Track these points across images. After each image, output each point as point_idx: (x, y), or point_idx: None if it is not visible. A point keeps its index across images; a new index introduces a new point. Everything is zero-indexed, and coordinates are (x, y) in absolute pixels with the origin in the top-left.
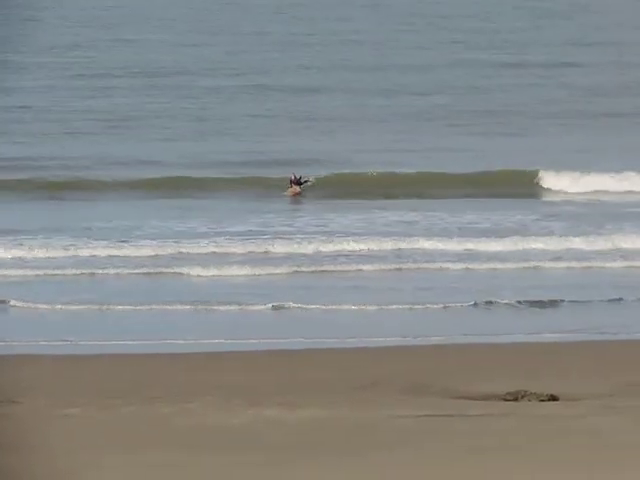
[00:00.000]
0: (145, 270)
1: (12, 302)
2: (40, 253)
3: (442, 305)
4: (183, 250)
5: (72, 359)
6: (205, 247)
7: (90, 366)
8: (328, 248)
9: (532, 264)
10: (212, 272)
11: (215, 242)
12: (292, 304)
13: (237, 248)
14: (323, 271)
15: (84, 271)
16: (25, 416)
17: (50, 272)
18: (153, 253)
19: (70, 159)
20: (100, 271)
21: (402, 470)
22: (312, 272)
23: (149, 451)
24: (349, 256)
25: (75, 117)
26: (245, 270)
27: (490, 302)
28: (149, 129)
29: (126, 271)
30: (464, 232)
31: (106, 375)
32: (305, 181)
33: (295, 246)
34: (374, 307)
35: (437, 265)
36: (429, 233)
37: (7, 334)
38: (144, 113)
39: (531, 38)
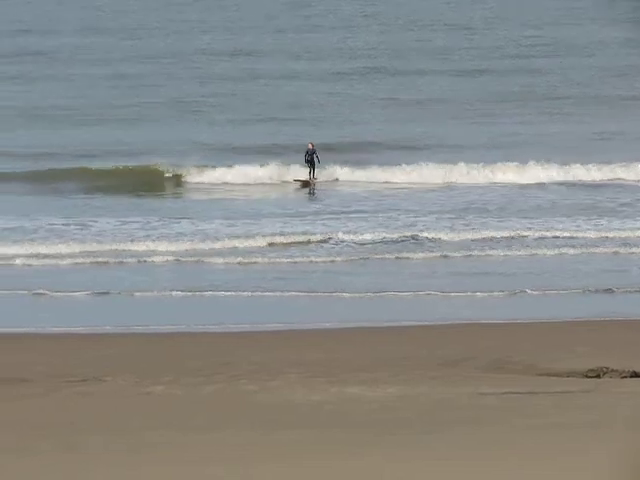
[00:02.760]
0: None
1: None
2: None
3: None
4: None
5: (157, 338)
6: None
7: (174, 345)
8: None
9: None
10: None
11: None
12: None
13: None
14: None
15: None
16: (109, 394)
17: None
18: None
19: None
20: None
21: (485, 447)
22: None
23: (232, 429)
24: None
25: None
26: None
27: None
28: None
29: (220, 260)
30: None
31: (189, 354)
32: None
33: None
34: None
35: None
36: None
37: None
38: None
39: None
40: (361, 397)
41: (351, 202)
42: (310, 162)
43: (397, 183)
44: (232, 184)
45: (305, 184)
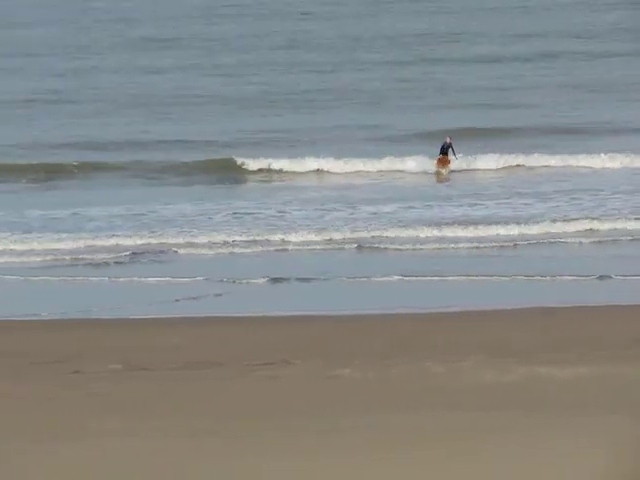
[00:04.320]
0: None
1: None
2: None
3: None
4: None
5: (344, 320)
6: None
7: (360, 327)
8: None
9: None
10: None
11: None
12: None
13: None
14: None
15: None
16: (297, 377)
17: None
18: None
19: None
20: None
21: None
22: None
23: (420, 411)
24: None
25: None
26: None
27: None
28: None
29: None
30: None
31: (376, 335)
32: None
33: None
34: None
35: None
36: None
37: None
38: None
39: None
40: (551, 378)
41: None
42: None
43: None
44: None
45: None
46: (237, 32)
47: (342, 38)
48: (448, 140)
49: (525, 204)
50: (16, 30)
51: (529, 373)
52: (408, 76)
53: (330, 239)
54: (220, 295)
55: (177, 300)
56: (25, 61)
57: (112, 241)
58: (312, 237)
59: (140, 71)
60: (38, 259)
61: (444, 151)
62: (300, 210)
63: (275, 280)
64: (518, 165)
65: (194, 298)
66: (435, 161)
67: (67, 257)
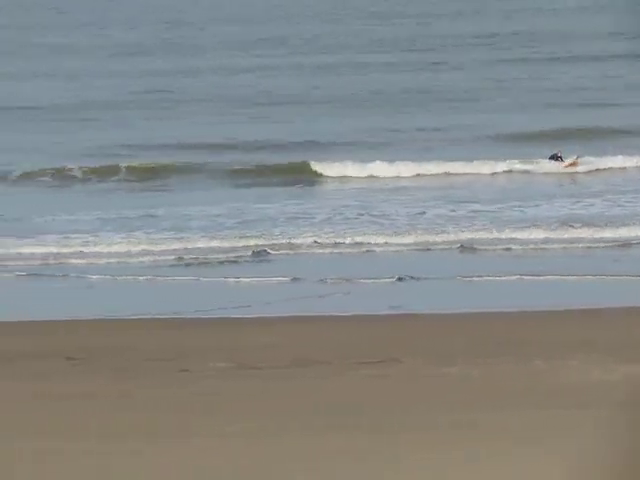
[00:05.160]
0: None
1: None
2: None
3: None
4: None
5: (452, 318)
6: None
7: (468, 325)
8: None
9: None
10: None
11: None
12: None
13: None
14: None
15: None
16: (404, 375)
17: None
18: None
19: None
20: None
21: None
22: None
23: (525, 409)
24: None
25: None
26: None
27: None
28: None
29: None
30: None
31: (483, 333)
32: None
33: None
34: None
35: None
36: None
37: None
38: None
39: None
40: None
41: None
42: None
43: None
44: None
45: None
46: (343, 31)
47: (438, 38)
48: (558, 153)
49: None
50: (114, 31)
51: (632, 372)
52: (508, 75)
53: (436, 241)
54: (333, 295)
55: (287, 300)
56: (124, 61)
57: (215, 242)
58: (425, 238)
59: (240, 71)
60: (145, 259)
61: (556, 157)
62: (403, 209)
63: (394, 279)
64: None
65: (302, 297)
66: (558, 163)
67: (171, 257)
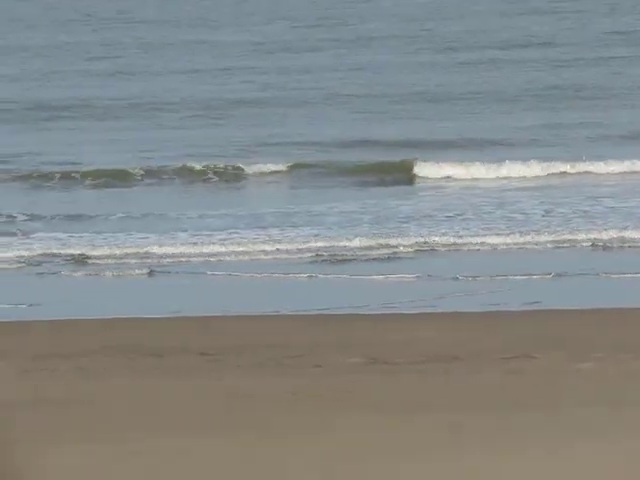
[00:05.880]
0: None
1: None
2: None
3: None
4: None
5: (588, 314)
6: None
7: (607, 321)
8: None
9: None
10: None
11: None
12: None
13: None
14: None
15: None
16: (540, 371)
17: None
18: None
19: None
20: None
21: None
22: None
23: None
24: None
25: None
26: None
27: None
28: None
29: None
30: None
31: (621, 329)
32: None
33: None
34: None
35: None
36: None
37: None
38: None
39: None
40: None
41: None
42: None
43: None
44: None
45: None
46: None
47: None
48: None
49: None
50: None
51: None
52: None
53: (593, 237)
54: (465, 292)
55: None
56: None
57: (353, 240)
58: (573, 236)
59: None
60: (281, 256)
61: None
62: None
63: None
64: None
65: (439, 296)
66: None
67: (308, 254)
